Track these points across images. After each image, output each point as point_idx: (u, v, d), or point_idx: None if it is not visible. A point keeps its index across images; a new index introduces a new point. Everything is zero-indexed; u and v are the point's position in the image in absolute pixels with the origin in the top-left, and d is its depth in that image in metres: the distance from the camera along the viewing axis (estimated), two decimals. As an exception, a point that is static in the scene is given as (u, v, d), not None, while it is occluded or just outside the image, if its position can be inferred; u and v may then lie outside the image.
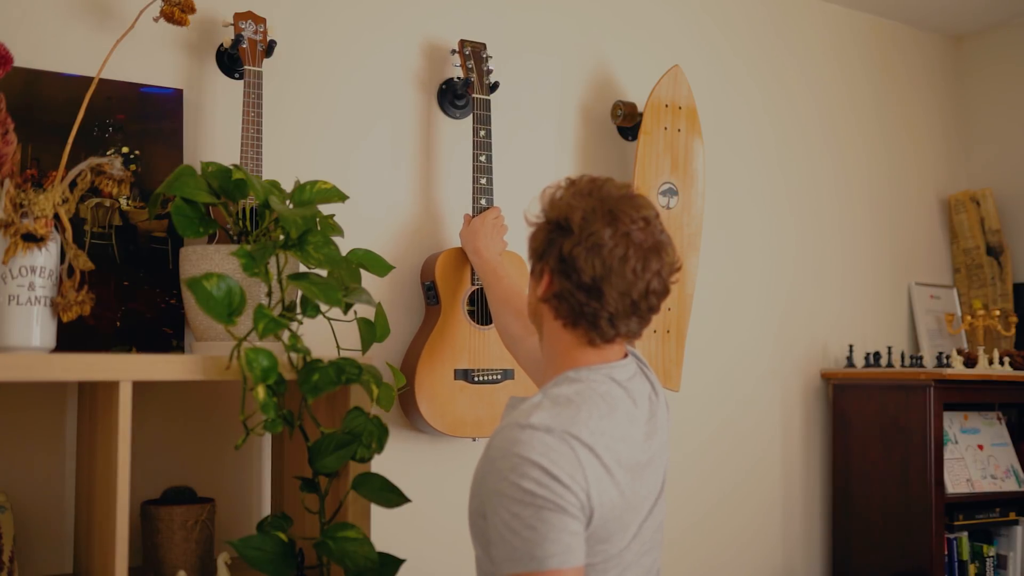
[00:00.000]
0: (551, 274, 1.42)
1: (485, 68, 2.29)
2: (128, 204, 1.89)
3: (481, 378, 2.20)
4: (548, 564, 1.25)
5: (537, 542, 1.25)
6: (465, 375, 2.18)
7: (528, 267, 1.52)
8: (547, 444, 1.29)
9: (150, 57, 2.00)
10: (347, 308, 1.72)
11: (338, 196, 1.78)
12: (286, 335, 1.66)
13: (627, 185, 1.46)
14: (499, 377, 2.22)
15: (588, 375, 1.41)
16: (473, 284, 2.21)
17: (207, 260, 1.70)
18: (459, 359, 2.18)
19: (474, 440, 2.31)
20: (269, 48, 2.01)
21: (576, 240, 1.37)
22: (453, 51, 2.32)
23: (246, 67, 1.96)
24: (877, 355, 2.98)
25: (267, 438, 2.08)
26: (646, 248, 1.38)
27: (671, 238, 1.44)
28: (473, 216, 2.20)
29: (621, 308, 1.38)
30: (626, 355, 1.49)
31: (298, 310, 1.74)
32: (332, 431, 1.67)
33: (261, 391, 1.56)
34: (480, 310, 2.22)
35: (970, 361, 2.93)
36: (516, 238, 2.25)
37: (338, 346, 1.76)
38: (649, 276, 1.38)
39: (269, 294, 1.68)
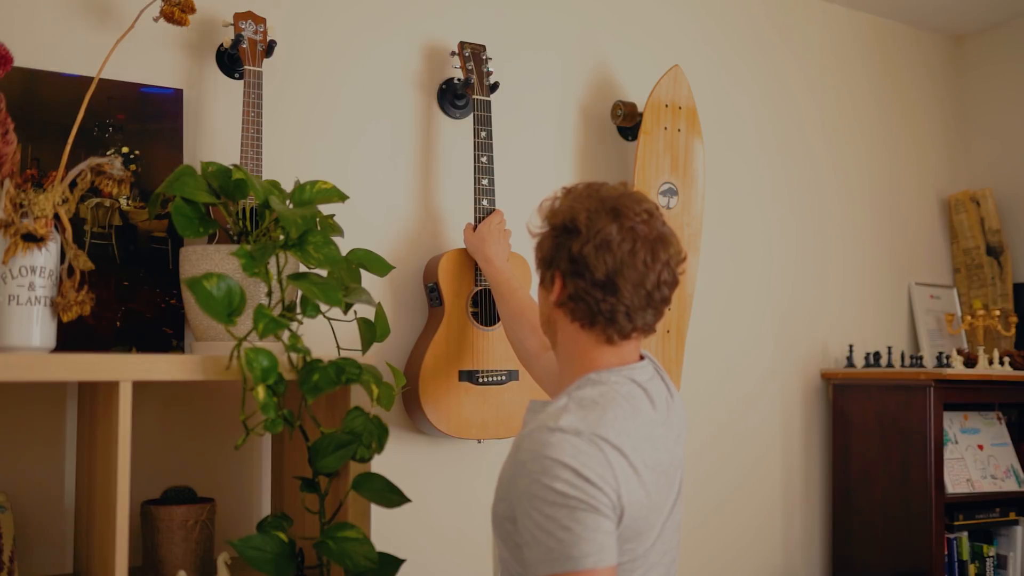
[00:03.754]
0: (562, 277, 1.43)
1: (485, 69, 2.29)
2: (128, 204, 1.89)
3: (486, 379, 2.20)
4: (584, 564, 1.26)
5: (573, 542, 1.27)
6: (470, 376, 2.18)
7: (532, 272, 1.53)
8: (576, 447, 1.30)
9: (150, 57, 2.00)
10: (347, 308, 1.72)
11: (338, 196, 1.78)
12: (286, 335, 1.66)
13: (623, 184, 1.49)
14: (504, 378, 2.21)
15: (610, 377, 1.42)
16: (477, 285, 2.21)
17: (207, 260, 1.70)
18: (464, 360, 2.18)
19: (479, 442, 2.31)
20: (269, 48, 2.00)
21: (584, 239, 1.40)
22: (453, 53, 2.32)
23: (246, 67, 1.96)
24: (877, 355, 2.98)
25: (267, 438, 2.08)
26: (652, 239, 1.41)
27: (673, 230, 1.46)
28: (475, 223, 2.19)
29: (637, 301, 1.40)
30: (642, 357, 1.51)
31: (298, 310, 1.74)
32: (332, 431, 1.67)
33: (261, 391, 1.56)
34: (484, 311, 2.22)
35: (970, 361, 2.93)
36: (518, 240, 2.25)
37: (338, 346, 1.76)
38: (659, 267, 1.41)
39: (269, 294, 1.68)
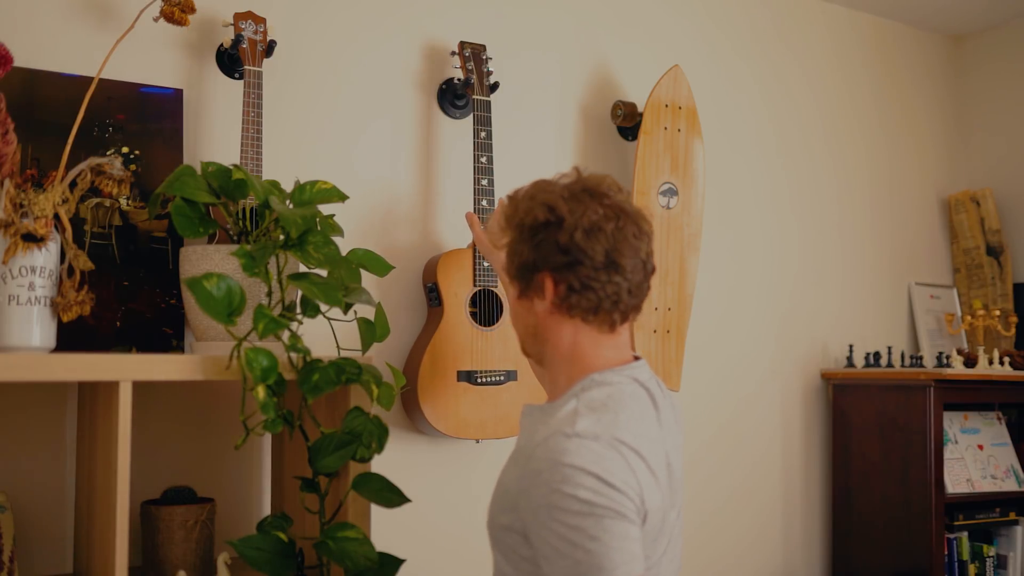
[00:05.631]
0: (553, 274, 1.36)
1: (485, 69, 2.29)
2: (128, 204, 1.89)
3: (484, 379, 2.20)
4: (616, 575, 1.20)
5: (603, 553, 1.20)
6: (468, 377, 2.18)
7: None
8: (597, 452, 1.24)
9: (150, 57, 2.00)
10: (347, 308, 1.72)
11: (338, 196, 1.78)
12: (286, 335, 1.66)
13: (576, 169, 1.43)
14: (502, 378, 2.21)
15: (613, 377, 1.38)
16: (475, 285, 2.21)
17: (207, 260, 1.70)
18: (462, 361, 2.18)
19: (477, 442, 2.31)
20: (269, 48, 2.00)
21: (571, 226, 1.34)
22: (453, 53, 2.32)
23: (246, 67, 1.96)
24: (877, 355, 2.98)
25: (267, 438, 2.08)
26: (628, 213, 1.38)
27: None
28: (479, 215, 2.18)
29: (636, 276, 1.37)
30: (637, 358, 1.47)
31: (298, 310, 1.74)
32: (332, 431, 1.67)
33: (261, 391, 1.56)
34: (483, 311, 2.22)
35: (970, 361, 2.93)
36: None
37: (338, 346, 1.76)
38: (645, 238, 1.39)
39: (269, 294, 1.68)
